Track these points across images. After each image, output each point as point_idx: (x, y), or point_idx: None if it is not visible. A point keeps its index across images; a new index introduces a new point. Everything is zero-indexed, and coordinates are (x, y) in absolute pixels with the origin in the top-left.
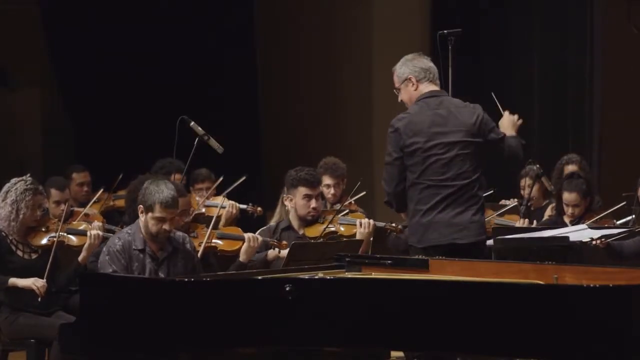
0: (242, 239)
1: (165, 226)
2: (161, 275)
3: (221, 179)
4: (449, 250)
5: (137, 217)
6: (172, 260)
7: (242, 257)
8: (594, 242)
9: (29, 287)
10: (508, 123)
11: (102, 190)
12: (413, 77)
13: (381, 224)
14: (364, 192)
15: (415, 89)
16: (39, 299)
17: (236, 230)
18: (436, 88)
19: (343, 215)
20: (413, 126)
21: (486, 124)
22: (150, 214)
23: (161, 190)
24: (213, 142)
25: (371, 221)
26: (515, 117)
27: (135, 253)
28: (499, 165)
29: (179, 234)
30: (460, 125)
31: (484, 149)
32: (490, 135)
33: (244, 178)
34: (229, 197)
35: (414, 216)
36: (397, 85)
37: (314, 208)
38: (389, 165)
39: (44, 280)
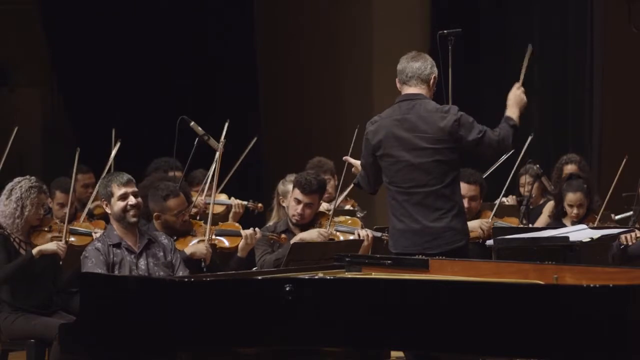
0: (240, 236)
1: (131, 201)
2: (141, 267)
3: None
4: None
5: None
6: (150, 250)
7: (240, 253)
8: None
9: (54, 250)
10: (513, 100)
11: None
12: (397, 80)
13: (378, 234)
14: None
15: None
16: (60, 262)
17: (234, 227)
18: (414, 91)
19: (340, 221)
20: (382, 130)
21: (462, 126)
22: (112, 199)
23: (114, 176)
24: (212, 142)
25: (369, 232)
26: (521, 91)
27: (112, 249)
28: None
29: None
30: (428, 132)
31: (461, 151)
32: (467, 138)
33: (255, 139)
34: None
35: (390, 221)
36: None
37: (299, 213)
38: (363, 167)
39: (64, 242)
